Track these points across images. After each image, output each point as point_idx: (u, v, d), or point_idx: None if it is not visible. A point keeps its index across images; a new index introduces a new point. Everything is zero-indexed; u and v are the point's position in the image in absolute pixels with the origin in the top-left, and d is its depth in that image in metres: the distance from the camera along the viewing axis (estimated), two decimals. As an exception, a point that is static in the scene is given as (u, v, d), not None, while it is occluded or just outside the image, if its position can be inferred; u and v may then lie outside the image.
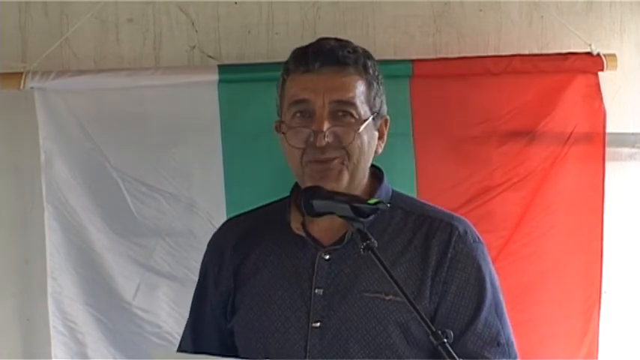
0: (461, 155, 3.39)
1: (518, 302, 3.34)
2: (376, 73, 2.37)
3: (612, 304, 3.45)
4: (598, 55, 3.39)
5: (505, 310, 2.37)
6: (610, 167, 3.40)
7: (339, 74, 2.31)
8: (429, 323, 2.04)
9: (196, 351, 2.46)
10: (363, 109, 2.32)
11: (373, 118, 2.34)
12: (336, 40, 2.38)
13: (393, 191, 2.44)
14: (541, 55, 3.45)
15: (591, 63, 3.40)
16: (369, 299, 2.30)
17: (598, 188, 3.40)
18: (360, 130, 2.30)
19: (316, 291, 2.32)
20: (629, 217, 3.53)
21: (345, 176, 2.31)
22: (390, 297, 2.27)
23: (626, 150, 3.51)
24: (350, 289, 2.31)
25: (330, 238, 2.35)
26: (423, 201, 2.49)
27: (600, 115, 3.39)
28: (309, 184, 2.31)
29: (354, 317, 2.30)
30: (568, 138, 3.39)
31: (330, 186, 2.29)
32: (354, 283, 2.31)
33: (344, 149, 2.29)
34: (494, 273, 2.39)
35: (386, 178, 2.43)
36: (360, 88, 2.33)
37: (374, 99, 2.35)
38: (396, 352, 2.28)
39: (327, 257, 2.34)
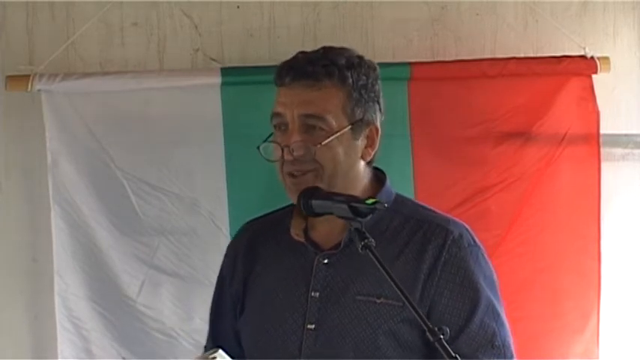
0: (457, 156, 3.41)
1: (513, 299, 3.35)
2: (360, 83, 2.35)
3: (609, 302, 3.46)
4: (592, 57, 3.42)
5: (503, 312, 2.35)
6: (603, 168, 3.42)
7: (311, 88, 2.31)
8: (425, 320, 2.04)
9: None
10: (338, 120, 2.32)
11: (352, 128, 2.34)
12: (318, 51, 2.39)
13: (396, 195, 2.44)
14: (536, 58, 3.47)
15: (585, 66, 3.42)
16: (361, 302, 2.31)
17: (593, 188, 3.42)
18: (327, 142, 2.30)
19: (313, 294, 2.34)
20: (622, 217, 3.55)
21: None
22: (382, 300, 2.28)
23: (619, 150, 3.53)
24: (344, 292, 2.32)
25: (330, 242, 2.36)
26: (425, 206, 2.47)
27: (594, 116, 3.41)
28: (290, 195, 2.34)
29: (345, 320, 2.31)
30: (562, 139, 3.42)
31: None
32: (349, 286, 2.32)
33: (316, 161, 2.31)
34: (492, 276, 2.37)
35: (388, 182, 2.43)
36: (335, 100, 2.32)
37: (353, 109, 2.34)
38: (384, 354, 2.29)
39: (326, 261, 2.35)
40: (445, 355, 1.99)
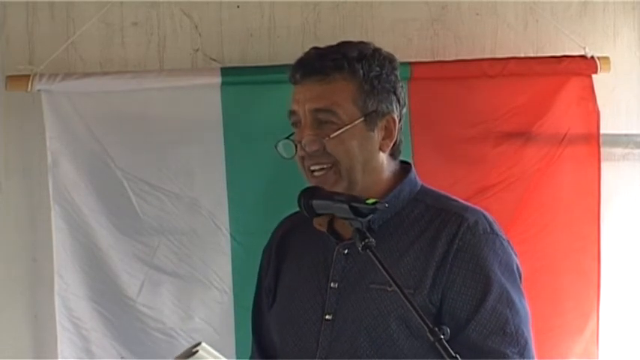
0: (458, 156, 3.41)
1: (513, 299, 3.41)
2: (372, 74, 2.34)
3: (609, 302, 3.46)
4: (592, 57, 3.42)
5: (521, 300, 2.32)
6: (603, 167, 3.42)
7: (319, 83, 2.32)
8: (426, 320, 2.04)
9: (260, 348, 2.51)
10: (349, 113, 2.32)
11: (365, 120, 2.33)
12: (333, 46, 2.39)
13: (422, 186, 2.43)
14: (536, 57, 3.47)
15: (585, 65, 3.43)
16: (375, 291, 2.30)
17: (593, 188, 3.42)
18: (336, 134, 2.30)
19: (332, 284, 2.35)
20: (622, 217, 3.55)
21: (342, 184, 2.32)
22: (393, 287, 2.22)
23: (619, 150, 3.54)
24: (360, 281, 2.33)
25: (350, 232, 2.31)
26: (450, 196, 2.44)
27: (594, 116, 3.42)
28: None
29: (359, 309, 2.31)
30: (563, 139, 3.42)
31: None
32: (364, 275, 2.32)
33: (331, 155, 2.31)
34: (510, 263, 2.34)
35: (412, 173, 2.42)
36: (344, 93, 2.32)
37: (365, 101, 2.33)
38: (396, 343, 2.28)
39: (346, 251, 2.35)
40: (445, 356, 1.99)
